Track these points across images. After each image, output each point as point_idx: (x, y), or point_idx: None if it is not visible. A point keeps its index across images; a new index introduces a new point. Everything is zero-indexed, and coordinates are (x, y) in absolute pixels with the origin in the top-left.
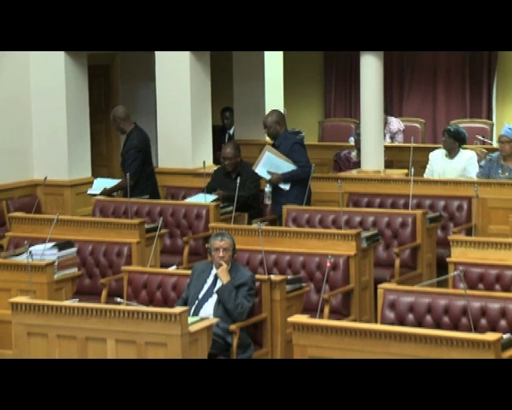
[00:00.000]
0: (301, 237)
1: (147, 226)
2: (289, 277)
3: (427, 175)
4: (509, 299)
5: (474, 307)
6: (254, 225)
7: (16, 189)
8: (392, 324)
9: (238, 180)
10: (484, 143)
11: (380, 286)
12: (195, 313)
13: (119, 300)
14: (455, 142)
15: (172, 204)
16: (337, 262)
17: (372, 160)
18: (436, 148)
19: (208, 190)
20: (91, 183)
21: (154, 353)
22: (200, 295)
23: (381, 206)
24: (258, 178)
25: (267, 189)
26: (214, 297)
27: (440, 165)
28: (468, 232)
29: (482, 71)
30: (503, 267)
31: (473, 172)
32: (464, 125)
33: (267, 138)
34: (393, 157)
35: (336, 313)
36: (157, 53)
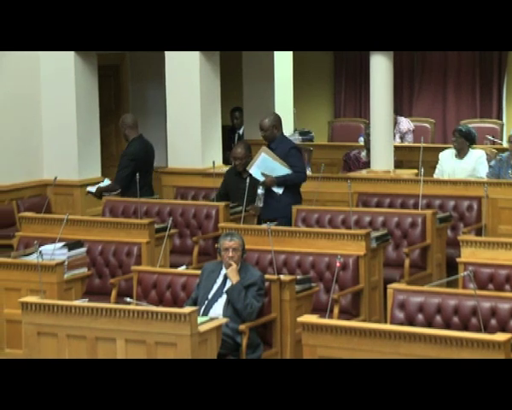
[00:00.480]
0: (311, 237)
1: (156, 226)
2: (299, 277)
3: (436, 175)
4: None
5: (484, 308)
6: (264, 225)
7: (26, 189)
8: (401, 324)
9: (248, 180)
10: (494, 143)
11: (389, 286)
12: (205, 313)
13: (128, 300)
14: (465, 142)
15: (182, 204)
16: (347, 262)
17: (382, 160)
18: (446, 148)
19: (218, 196)
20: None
21: (164, 353)
22: (210, 296)
23: (390, 206)
24: None
25: (260, 191)
26: (224, 297)
27: (450, 165)
28: (478, 232)
29: (492, 71)
30: None
31: (482, 171)
32: (474, 125)
33: None
34: (403, 157)
35: (346, 314)
36: (167, 53)
